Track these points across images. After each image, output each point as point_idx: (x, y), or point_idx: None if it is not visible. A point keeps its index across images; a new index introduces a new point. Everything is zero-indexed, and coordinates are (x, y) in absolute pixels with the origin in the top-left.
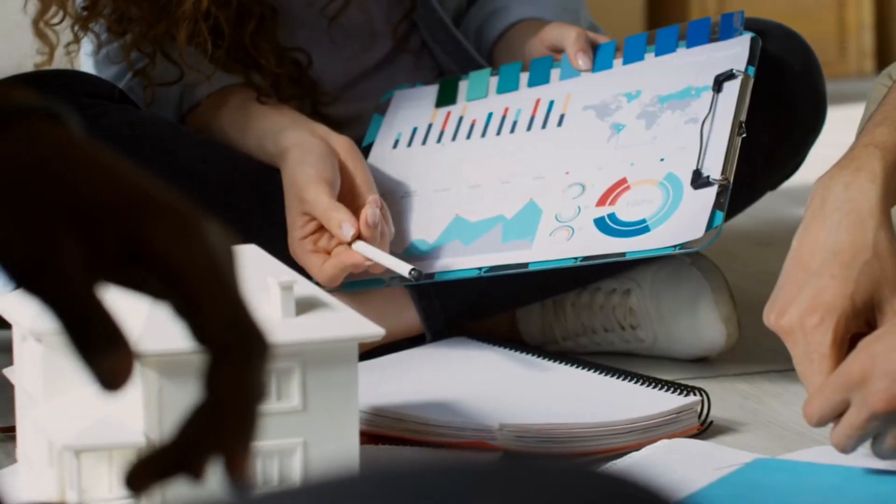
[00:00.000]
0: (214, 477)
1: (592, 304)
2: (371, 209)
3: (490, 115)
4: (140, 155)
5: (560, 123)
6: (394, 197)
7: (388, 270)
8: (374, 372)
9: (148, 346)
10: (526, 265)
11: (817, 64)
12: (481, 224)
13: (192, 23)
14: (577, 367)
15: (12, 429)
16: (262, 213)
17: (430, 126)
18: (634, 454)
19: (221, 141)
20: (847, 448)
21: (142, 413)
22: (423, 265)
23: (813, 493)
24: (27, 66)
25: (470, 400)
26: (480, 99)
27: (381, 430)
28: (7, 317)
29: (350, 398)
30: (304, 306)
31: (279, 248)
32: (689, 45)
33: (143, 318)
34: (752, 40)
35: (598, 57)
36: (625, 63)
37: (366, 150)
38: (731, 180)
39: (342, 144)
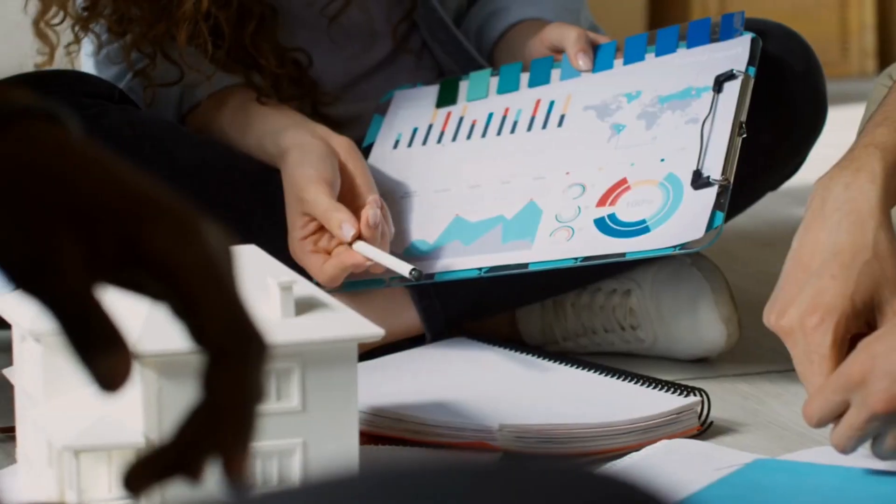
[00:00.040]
0: (213, 478)
1: (593, 304)
2: (372, 210)
3: (490, 115)
4: (140, 155)
5: (560, 124)
6: (394, 197)
7: (388, 270)
8: (374, 372)
9: (147, 347)
10: (526, 265)
11: (818, 64)
12: (481, 224)
13: (192, 23)
14: (577, 367)
15: (12, 429)
16: (262, 213)
17: (430, 126)
18: (634, 455)
19: (221, 141)
20: (847, 449)
21: (141, 413)
22: (424, 265)
23: (813, 494)
24: (28, 67)
25: (470, 400)
26: (481, 99)
27: (380, 430)
28: (7, 317)
29: (349, 398)
30: (304, 306)
31: (279, 248)
32: (689, 46)
33: (142, 318)
34: (753, 41)
35: (599, 57)
36: (625, 63)
37: (366, 151)
38: (732, 181)
39: (342, 145)
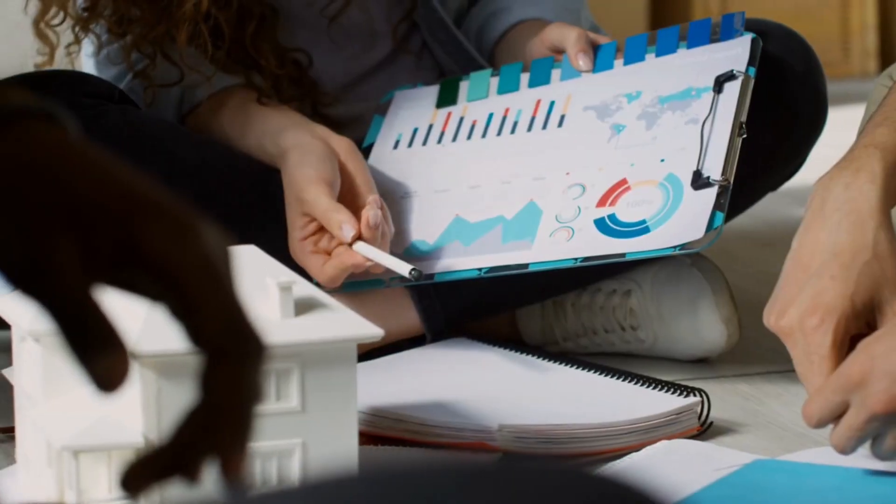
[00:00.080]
0: (210, 478)
1: (593, 304)
2: (372, 210)
3: (490, 115)
4: (140, 155)
5: (560, 124)
6: (394, 197)
7: (388, 271)
8: (373, 372)
9: (146, 347)
10: (526, 266)
11: (818, 64)
12: (481, 224)
13: (192, 24)
14: (576, 367)
15: (11, 429)
16: (262, 213)
17: (430, 126)
18: (634, 455)
19: (221, 141)
20: (846, 449)
21: (140, 414)
22: (424, 266)
23: (812, 494)
24: (28, 67)
25: (469, 401)
26: (481, 99)
27: (380, 430)
28: (6, 318)
29: (349, 399)
30: (303, 307)
31: (279, 248)
32: (689, 46)
33: (141, 319)
34: (753, 41)
35: (599, 57)
36: (625, 64)
37: (366, 151)
38: (732, 181)
39: (342, 145)
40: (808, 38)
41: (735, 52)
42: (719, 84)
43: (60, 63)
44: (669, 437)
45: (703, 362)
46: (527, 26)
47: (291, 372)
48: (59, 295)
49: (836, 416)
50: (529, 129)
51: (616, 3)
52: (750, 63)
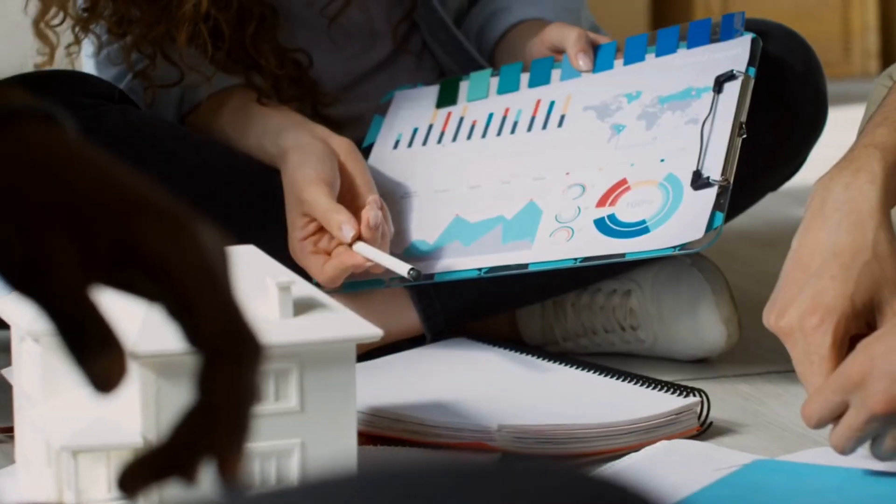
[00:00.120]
0: (208, 478)
1: (593, 304)
2: (372, 211)
3: (490, 115)
4: (140, 155)
5: (560, 124)
6: (394, 197)
7: (388, 271)
8: (373, 372)
9: (146, 347)
10: (526, 266)
11: (818, 64)
12: (481, 225)
13: (191, 24)
14: (576, 367)
15: (11, 429)
16: (262, 213)
17: (430, 126)
18: (634, 455)
19: (222, 142)
20: (846, 449)
21: (139, 414)
22: (424, 266)
23: (812, 495)
24: (28, 67)
25: (469, 401)
26: (481, 99)
27: (379, 430)
28: (6, 318)
29: (348, 399)
30: (302, 307)
31: (279, 248)
32: (689, 46)
33: (141, 319)
34: (753, 41)
35: (599, 57)
36: (625, 64)
37: (366, 151)
38: (731, 181)
39: (342, 145)
40: (808, 39)
41: (735, 52)
42: (719, 84)
43: (60, 63)
44: (669, 438)
45: (703, 362)
46: (527, 26)
47: (290, 372)
48: (57, 295)
49: (836, 417)
50: (529, 129)
51: (617, 3)
52: (750, 63)
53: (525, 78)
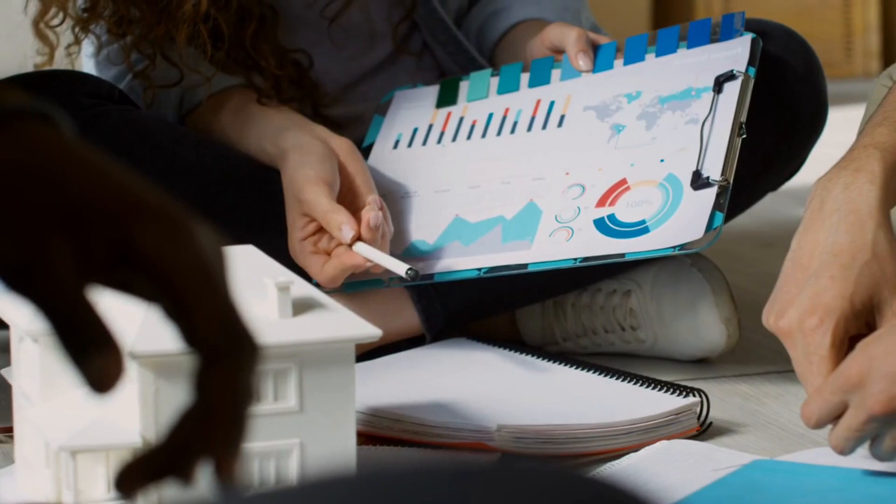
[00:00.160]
0: (205, 479)
1: (593, 304)
2: (373, 212)
3: (490, 115)
4: (140, 155)
5: (560, 124)
6: (394, 197)
7: (387, 271)
8: (372, 372)
9: (144, 347)
10: (525, 266)
11: (818, 64)
12: (481, 225)
13: (191, 25)
14: (576, 367)
15: (10, 429)
16: (262, 213)
17: (430, 126)
18: (633, 455)
19: (222, 142)
20: (845, 450)
21: (138, 414)
22: (423, 266)
23: (811, 495)
24: (28, 67)
25: (468, 401)
26: (481, 99)
27: (378, 430)
28: (5, 318)
29: (347, 399)
30: (301, 307)
31: (279, 248)
32: (689, 46)
33: (140, 318)
34: (753, 41)
35: (599, 57)
36: (625, 64)
37: (366, 151)
38: (731, 181)
39: (342, 146)
40: (810, 39)
41: (735, 52)
42: (719, 84)
43: (60, 63)
44: (668, 438)
45: (703, 362)
46: (527, 26)
47: (289, 372)
48: (53, 295)
49: (835, 417)
50: (529, 129)
51: (619, 3)
52: (750, 63)
53: (525, 78)
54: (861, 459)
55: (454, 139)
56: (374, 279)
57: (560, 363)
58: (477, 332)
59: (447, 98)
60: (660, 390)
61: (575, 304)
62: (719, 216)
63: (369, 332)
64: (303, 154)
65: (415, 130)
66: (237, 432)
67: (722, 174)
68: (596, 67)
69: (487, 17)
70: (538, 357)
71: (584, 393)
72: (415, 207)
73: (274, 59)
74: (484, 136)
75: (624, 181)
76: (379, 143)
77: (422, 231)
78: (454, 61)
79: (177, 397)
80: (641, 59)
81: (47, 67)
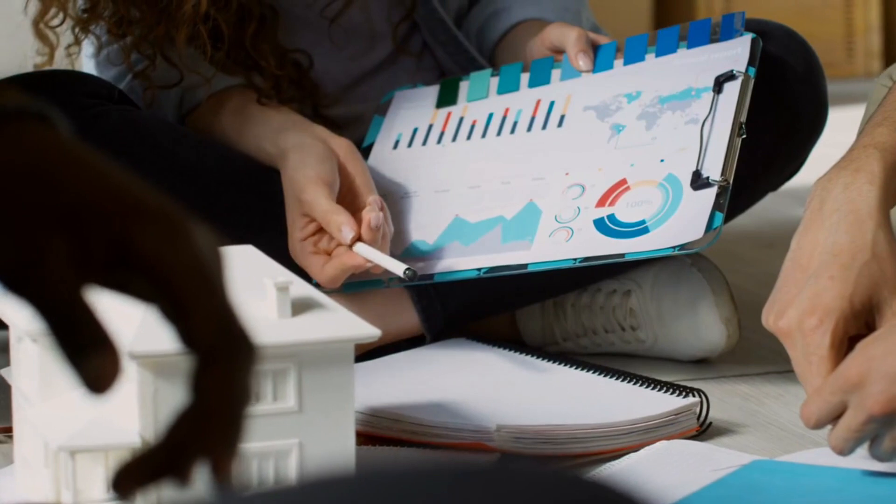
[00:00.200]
0: (201, 480)
1: (593, 304)
2: (374, 212)
3: (490, 115)
4: (140, 156)
5: (560, 124)
6: (394, 197)
7: (387, 271)
8: (372, 372)
9: (144, 347)
10: (525, 266)
11: (818, 64)
12: (481, 225)
13: (191, 25)
14: (575, 368)
15: (9, 429)
16: (262, 213)
17: (430, 127)
18: (632, 455)
19: (221, 142)
20: (844, 450)
21: (137, 414)
22: (423, 266)
23: (810, 495)
24: (28, 67)
25: (468, 401)
26: (481, 99)
27: (378, 430)
28: (4, 318)
29: (346, 399)
30: (300, 307)
31: (279, 248)
32: (689, 46)
33: (139, 318)
34: (753, 41)
35: (599, 58)
36: (625, 64)
37: (366, 151)
38: (731, 181)
39: (341, 146)
40: (811, 39)
41: (735, 52)
42: (719, 84)
43: (60, 63)
44: (668, 438)
45: (703, 363)
46: (527, 26)
47: (288, 372)
48: (50, 296)
49: (835, 417)
50: (529, 129)
51: (619, 3)
52: (750, 63)
53: (525, 78)
54: (860, 460)
55: (454, 139)
56: (374, 279)
57: (560, 363)
58: (477, 332)
59: (447, 98)
60: (659, 390)
61: (575, 305)
62: (719, 216)
63: (368, 332)
64: (303, 154)
65: (415, 130)
66: (234, 433)
67: (722, 174)
68: (596, 67)
69: (488, 18)
70: (538, 357)
71: (584, 393)
72: (415, 207)
73: (274, 60)
74: (484, 136)
75: (624, 181)
76: (379, 144)
77: (422, 231)
78: (454, 61)
79: (176, 397)
80: (641, 59)
81: (47, 67)
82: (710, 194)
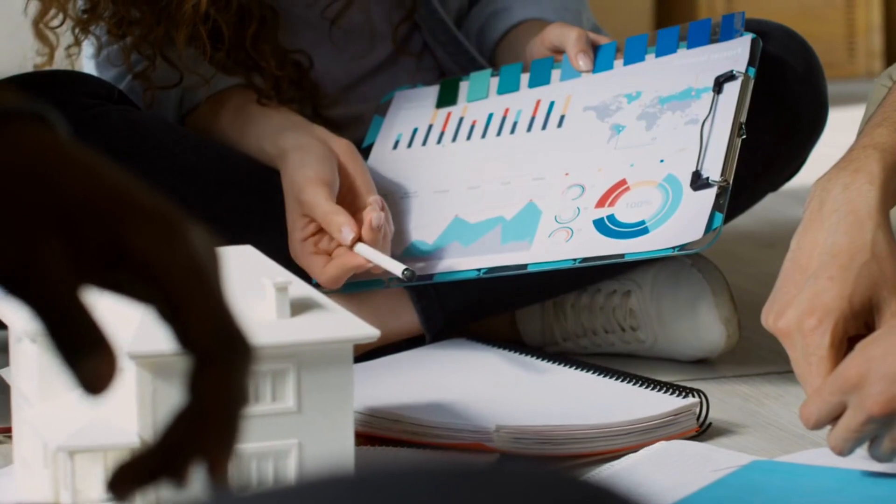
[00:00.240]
0: (198, 480)
1: (593, 305)
2: (375, 213)
3: (490, 115)
4: (140, 155)
5: (560, 124)
6: (393, 198)
7: (387, 271)
8: (371, 373)
9: (142, 347)
10: (525, 266)
11: (818, 65)
12: (481, 225)
13: (191, 26)
14: (575, 368)
15: (9, 430)
16: (262, 214)
17: (430, 127)
18: (632, 456)
19: (221, 142)
20: (844, 451)
21: (136, 414)
22: (423, 266)
23: (810, 496)
24: (28, 67)
25: (467, 401)
26: (481, 100)
27: (377, 431)
28: (3, 318)
29: (345, 399)
30: (299, 307)
31: (280, 249)
32: (689, 46)
33: (138, 319)
34: (753, 41)
35: (599, 58)
36: (625, 64)
37: (366, 151)
38: (731, 182)
39: (341, 146)
40: (812, 39)
41: (735, 53)
42: (719, 84)
43: (60, 64)
44: (668, 438)
45: (703, 363)
46: (527, 26)
47: (287, 372)
48: (47, 296)
49: (834, 418)
50: (529, 129)
51: (621, 3)
52: (750, 63)
53: (525, 78)
54: (860, 460)
55: (454, 139)
56: (374, 280)
57: (560, 364)
58: (477, 333)
59: (447, 98)
60: (659, 391)
61: (575, 305)
62: (719, 216)
63: (367, 332)
64: (303, 155)
65: (415, 131)
66: (231, 434)
67: (722, 174)
68: (596, 68)
69: (488, 18)
70: (538, 357)
71: (584, 393)
72: (414, 208)
73: (274, 60)
74: (484, 136)
75: (623, 181)
76: (379, 144)
77: (421, 231)
78: (454, 62)
79: (174, 397)
80: (641, 59)
81: (47, 68)
82: (709, 195)
